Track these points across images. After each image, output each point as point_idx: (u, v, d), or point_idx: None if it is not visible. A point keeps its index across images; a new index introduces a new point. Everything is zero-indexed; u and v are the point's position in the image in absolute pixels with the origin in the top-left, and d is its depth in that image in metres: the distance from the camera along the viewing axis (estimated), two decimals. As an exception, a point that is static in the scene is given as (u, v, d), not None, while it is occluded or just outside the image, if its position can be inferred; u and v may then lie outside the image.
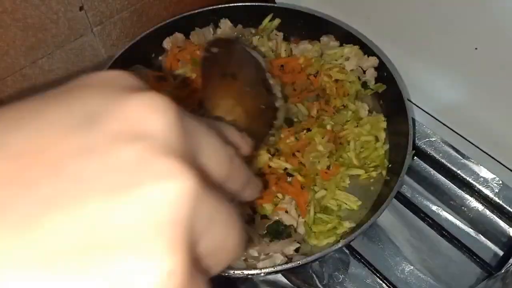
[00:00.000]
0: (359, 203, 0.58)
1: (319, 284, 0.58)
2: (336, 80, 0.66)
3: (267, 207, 0.56)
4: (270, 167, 0.58)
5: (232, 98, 0.50)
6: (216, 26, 0.71)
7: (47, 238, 0.14)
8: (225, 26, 0.71)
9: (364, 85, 0.67)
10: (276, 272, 0.52)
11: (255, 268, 0.51)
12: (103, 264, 0.14)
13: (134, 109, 0.16)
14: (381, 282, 0.57)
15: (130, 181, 0.15)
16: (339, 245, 0.51)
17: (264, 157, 0.58)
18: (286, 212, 0.56)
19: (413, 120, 0.64)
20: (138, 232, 0.14)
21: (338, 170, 0.59)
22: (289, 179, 0.58)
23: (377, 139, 0.63)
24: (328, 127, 0.61)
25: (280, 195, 0.57)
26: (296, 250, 0.54)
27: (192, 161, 0.17)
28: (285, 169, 0.59)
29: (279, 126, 0.56)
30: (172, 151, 0.16)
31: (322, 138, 0.60)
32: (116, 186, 0.15)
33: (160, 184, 0.15)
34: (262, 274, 0.50)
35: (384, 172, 0.61)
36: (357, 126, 0.63)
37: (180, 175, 0.16)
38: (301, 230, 0.56)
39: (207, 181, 0.17)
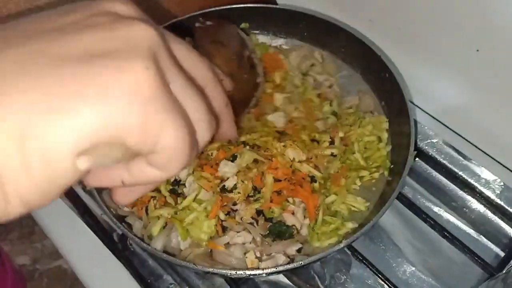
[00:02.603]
0: (367, 204, 0.58)
1: (320, 285, 0.58)
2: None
3: (276, 210, 0.55)
4: (293, 172, 0.57)
5: (220, 60, 0.58)
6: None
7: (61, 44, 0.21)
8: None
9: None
10: (278, 272, 0.52)
11: (257, 268, 0.51)
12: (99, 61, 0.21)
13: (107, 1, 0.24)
14: (382, 283, 0.57)
15: (112, 22, 0.22)
16: (341, 245, 0.51)
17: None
18: (293, 214, 0.56)
19: (415, 121, 0.64)
20: (120, 49, 0.21)
21: (347, 173, 0.59)
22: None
23: (379, 140, 0.63)
24: (341, 133, 0.62)
25: (290, 199, 0.56)
26: (298, 251, 0.54)
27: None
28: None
29: (257, 100, 0.60)
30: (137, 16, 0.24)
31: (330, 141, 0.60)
32: (100, 27, 0.22)
33: (134, 26, 0.22)
34: (264, 275, 0.50)
35: (386, 173, 0.61)
36: (359, 126, 0.63)
37: (148, 24, 0.23)
38: (304, 231, 0.56)
39: (174, 61, 0.24)
